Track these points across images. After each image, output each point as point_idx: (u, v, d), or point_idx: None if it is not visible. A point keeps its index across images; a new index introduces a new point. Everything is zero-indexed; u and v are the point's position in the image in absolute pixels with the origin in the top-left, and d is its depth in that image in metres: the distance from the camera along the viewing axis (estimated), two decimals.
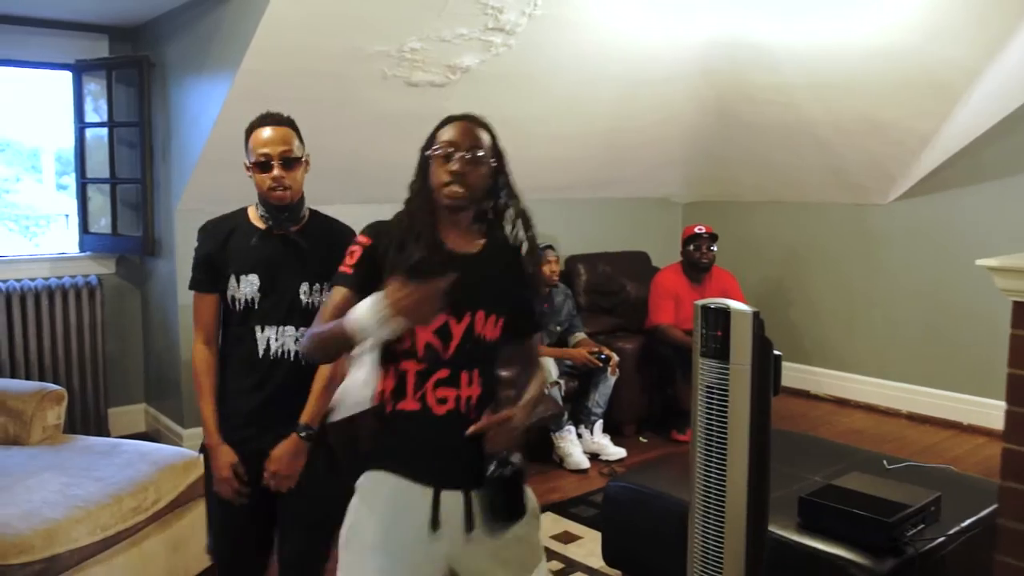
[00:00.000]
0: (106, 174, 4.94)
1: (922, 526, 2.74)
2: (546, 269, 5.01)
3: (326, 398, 2.44)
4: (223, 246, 2.51)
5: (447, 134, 2.00)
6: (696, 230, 5.50)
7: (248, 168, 2.48)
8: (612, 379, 5.03)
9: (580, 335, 5.21)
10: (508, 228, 2.11)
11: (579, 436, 4.97)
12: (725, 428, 2.07)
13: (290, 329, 2.48)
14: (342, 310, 1.91)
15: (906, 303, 5.95)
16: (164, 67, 4.72)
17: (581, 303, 5.64)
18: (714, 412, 2.08)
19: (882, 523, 2.61)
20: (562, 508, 4.23)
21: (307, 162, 2.52)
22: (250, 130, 2.48)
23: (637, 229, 6.80)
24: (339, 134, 4.56)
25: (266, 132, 2.44)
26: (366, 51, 4.17)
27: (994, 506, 2.37)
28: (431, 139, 2.04)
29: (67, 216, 5.29)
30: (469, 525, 1.96)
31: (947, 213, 5.72)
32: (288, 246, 2.50)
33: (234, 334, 2.53)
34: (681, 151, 6.35)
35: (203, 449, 2.57)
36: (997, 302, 5.29)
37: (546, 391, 4.73)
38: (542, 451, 4.89)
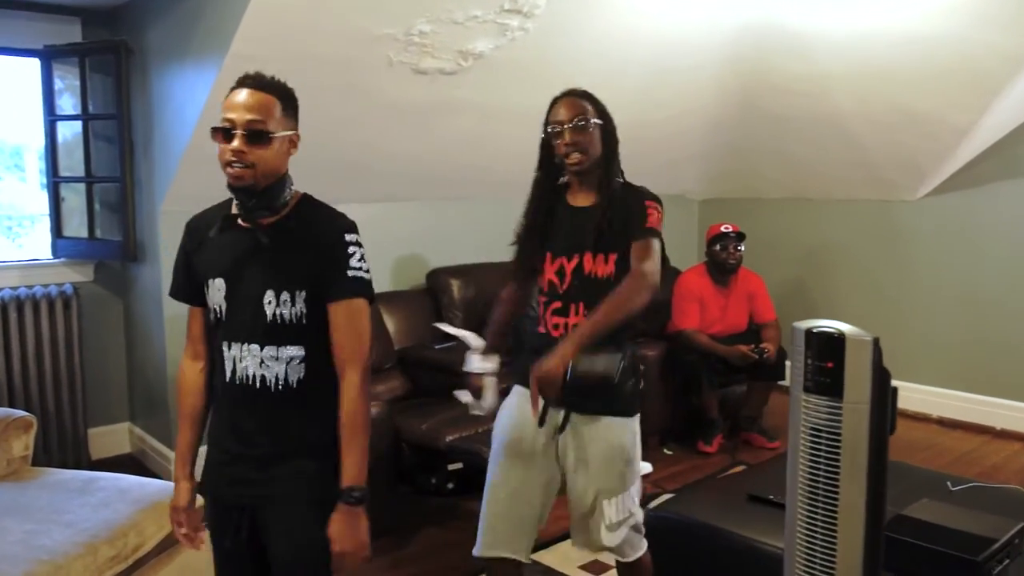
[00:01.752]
0: (81, 172, 4.56)
1: (1007, 561, 2.44)
2: None
3: (360, 447, 2.03)
4: (198, 244, 2.12)
5: (555, 114, 2.58)
6: (722, 229, 5.17)
7: (213, 136, 2.01)
8: None
9: None
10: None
11: None
12: (836, 480, 1.69)
13: (254, 348, 2.03)
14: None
15: (935, 303, 5.74)
16: (144, 53, 4.33)
17: None
18: (822, 460, 1.70)
19: (971, 562, 2.30)
20: None
21: (293, 142, 2.06)
22: (230, 90, 2.05)
23: None
24: (341, 126, 4.22)
25: (240, 95, 1.98)
26: (370, 34, 3.80)
27: None
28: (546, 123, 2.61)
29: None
30: (562, 429, 2.55)
31: (979, 209, 5.50)
32: (254, 243, 2.03)
33: (213, 349, 2.15)
34: (701, 145, 6.06)
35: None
36: None
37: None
38: None
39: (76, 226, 4.68)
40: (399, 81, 4.13)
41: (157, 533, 2.78)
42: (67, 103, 4.59)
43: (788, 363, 5.10)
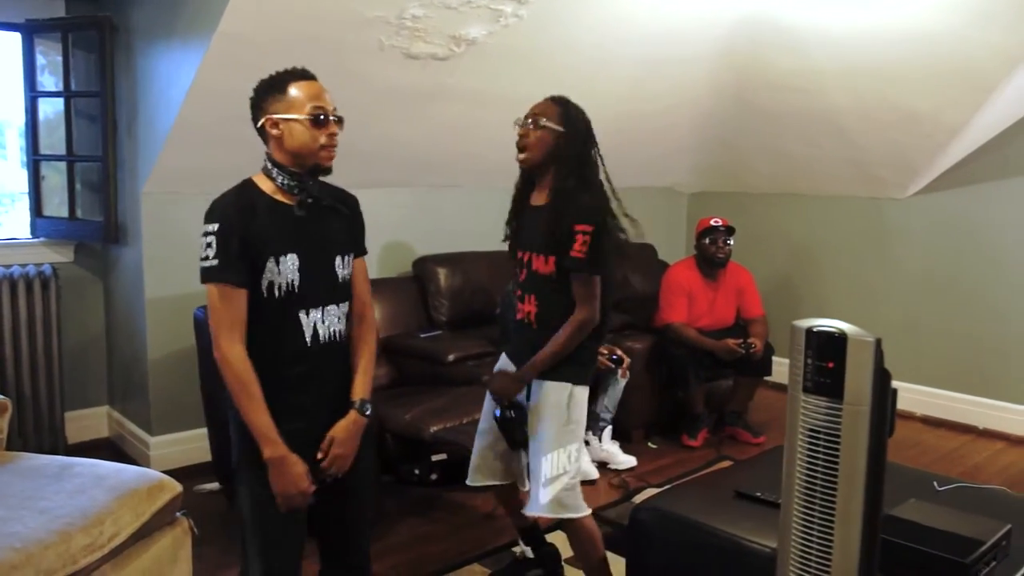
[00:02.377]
0: (63, 150, 4.46)
1: (994, 563, 2.40)
2: None
3: (372, 371, 2.39)
4: (251, 226, 2.20)
5: None
6: (712, 223, 5.12)
7: (276, 125, 2.20)
8: (622, 382, 4.64)
9: None
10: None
11: (586, 443, 4.55)
12: (834, 482, 1.65)
13: (333, 308, 2.33)
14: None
15: (921, 302, 5.72)
16: (129, 30, 4.23)
17: None
18: (819, 462, 1.66)
19: (958, 564, 2.25)
20: None
21: None
22: (285, 80, 2.23)
23: (641, 220, 6.31)
24: None
25: (317, 85, 2.24)
26: (362, 16, 3.72)
27: None
28: None
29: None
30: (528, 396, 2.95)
31: (967, 209, 5.48)
32: (323, 216, 2.32)
33: (271, 324, 2.25)
34: (692, 138, 6.01)
35: (233, 475, 2.36)
36: (1013, 303, 5.23)
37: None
38: None
39: (57, 205, 4.58)
40: (390, 65, 4.05)
41: (134, 522, 2.70)
42: (49, 80, 4.49)
43: (776, 359, 5.09)
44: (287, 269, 2.22)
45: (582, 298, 2.81)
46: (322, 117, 2.20)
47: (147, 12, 4.09)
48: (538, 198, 2.90)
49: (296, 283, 2.23)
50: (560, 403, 2.88)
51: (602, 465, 4.58)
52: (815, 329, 1.67)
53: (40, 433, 4.36)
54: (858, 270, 6.01)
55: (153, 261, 4.28)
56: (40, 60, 4.46)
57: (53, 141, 4.53)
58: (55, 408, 4.41)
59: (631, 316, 5.48)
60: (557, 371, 2.87)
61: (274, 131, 2.21)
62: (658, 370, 5.08)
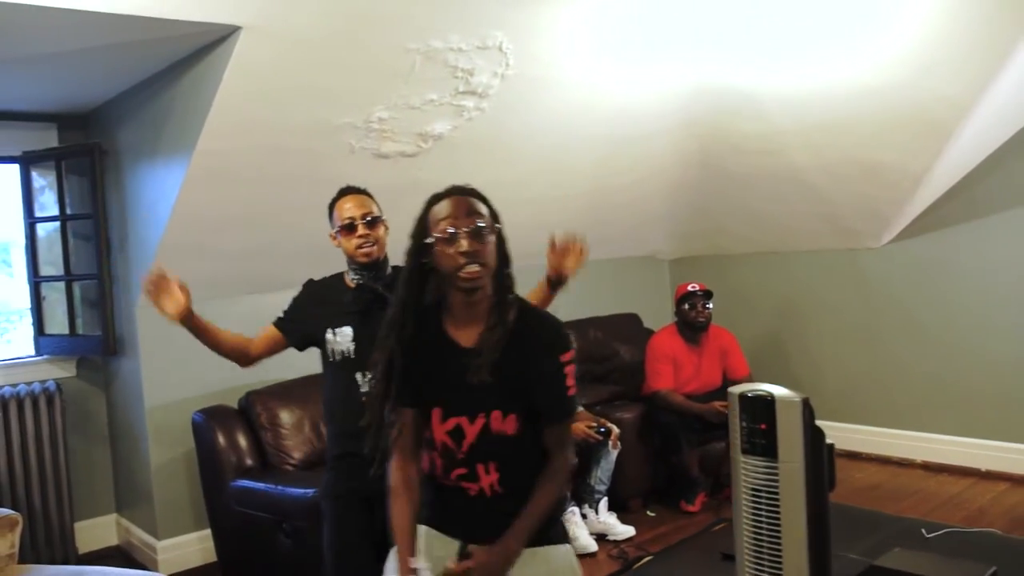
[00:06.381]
0: (61, 271, 4.64)
1: None
2: None
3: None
4: (320, 302, 2.91)
5: (444, 211, 1.96)
6: (689, 288, 5.24)
7: (335, 238, 2.85)
8: (614, 453, 4.72)
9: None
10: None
11: (583, 516, 4.63)
12: (778, 537, 1.76)
13: None
14: None
15: (909, 347, 5.73)
16: (117, 154, 4.45)
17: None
18: (763, 519, 1.78)
19: None
20: None
21: (386, 227, 2.86)
22: (332, 204, 2.87)
23: (624, 290, 6.56)
24: (307, 212, 4.24)
25: (350, 201, 2.83)
26: (331, 124, 3.92)
27: None
28: (424, 221, 2.00)
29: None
30: None
31: (943, 252, 5.54)
32: (378, 300, 2.73)
33: (337, 381, 2.86)
34: (664, 207, 6.16)
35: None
36: (1003, 340, 5.28)
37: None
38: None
39: (58, 322, 4.73)
40: (362, 166, 4.19)
41: None
42: (49, 198, 4.67)
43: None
44: (343, 338, 2.82)
45: (566, 440, 2.10)
46: (350, 225, 2.77)
47: (133, 135, 4.30)
48: (466, 333, 2.04)
49: (352, 350, 2.79)
50: (576, 569, 2.14)
51: (600, 537, 4.59)
52: (747, 394, 1.80)
53: (51, 545, 4.43)
54: (842, 321, 6.05)
55: (151, 370, 4.42)
56: (39, 183, 4.67)
57: (53, 257, 4.70)
58: (65, 519, 4.49)
59: (619, 386, 5.58)
60: (548, 531, 2.10)
61: (334, 242, 2.85)
62: (650, 438, 5.11)
